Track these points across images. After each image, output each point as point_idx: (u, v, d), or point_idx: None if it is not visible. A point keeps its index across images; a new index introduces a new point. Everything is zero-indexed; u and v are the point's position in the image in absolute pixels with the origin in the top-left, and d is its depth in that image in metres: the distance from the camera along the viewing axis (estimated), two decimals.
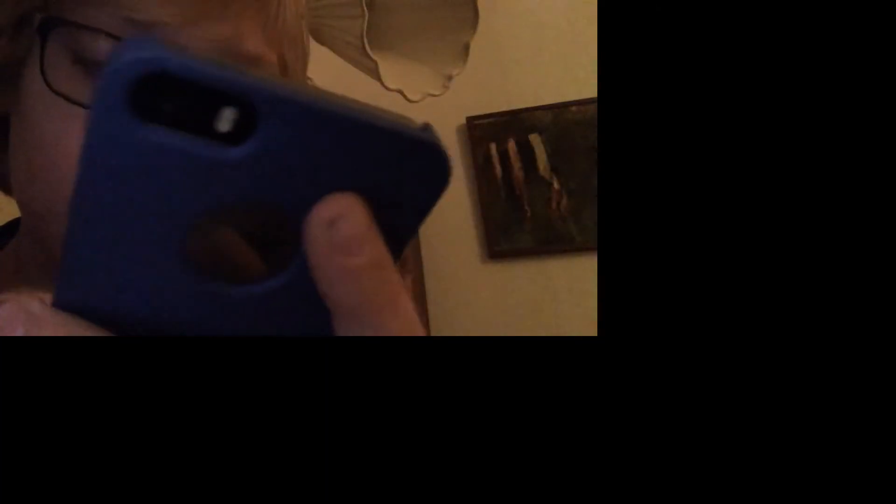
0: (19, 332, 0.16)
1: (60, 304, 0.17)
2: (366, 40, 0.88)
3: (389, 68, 0.94)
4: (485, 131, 1.77)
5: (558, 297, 1.67)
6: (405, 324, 0.17)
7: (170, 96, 0.15)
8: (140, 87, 0.14)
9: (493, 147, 1.76)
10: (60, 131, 0.34)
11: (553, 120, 1.74)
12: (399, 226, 0.17)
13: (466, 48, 1.05)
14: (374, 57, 0.90)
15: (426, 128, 0.17)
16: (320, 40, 0.96)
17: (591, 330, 1.58)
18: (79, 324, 0.17)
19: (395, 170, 0.17)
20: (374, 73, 0.94)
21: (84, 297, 0.17)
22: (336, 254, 0.16)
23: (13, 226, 0.47)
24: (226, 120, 0.15)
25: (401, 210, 0.17)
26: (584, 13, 1.76)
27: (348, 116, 0.16)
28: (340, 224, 0.16)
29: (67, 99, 0.34)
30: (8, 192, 0.45)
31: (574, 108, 1.73)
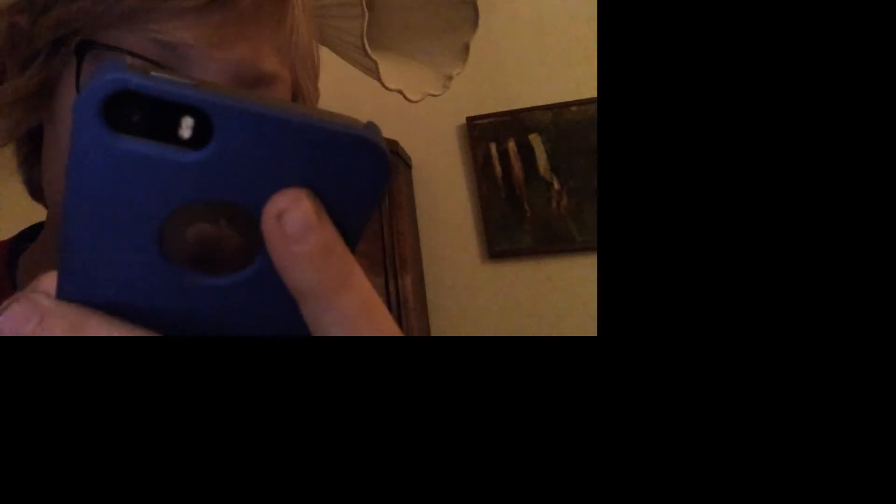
0: (28, 331, 0.18)
1: (63, 297, 0.19)
2: (366, 40, 0.88)
3: (389, 68, 0.94)
4: (485, 131, 1.77)
5: (558, 297, 1.67)
6: (360, 301, 0.18)
7: (136, 110, 0.17)
8: (111, 103, 0.17)
9: (493, 147, 1.76)
10: None
11: (553, 120, 1.74)
12: (347, 221, 0.19)
13: (466, 48, 1.05)
14: (374, 57, 0.90)
15: (369, 126, 0.19)
16: (320, 40, 0.96)
17: (591, 330, 1.58)
18: (86, 315, 0.18)
19: (337, 167, 0.18)
20: (374, 73, 0.94)
21: (81, 291, 0.19)
22: (286, 243, 0.18)
23: (41, 226, 0.51)
24: (186, 128, 0.17)
25: (347, 206, 0.19)
26: (584, 13, 1.76)
27: (291, 119, 0.18)
28: (287, 216, 0.18)
29: None
30: (37, 198, 0.51)
31: (574, 108, 1.73)
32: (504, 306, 1.70)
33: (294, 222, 0.18)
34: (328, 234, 0.18)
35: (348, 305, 0.18)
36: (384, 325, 0.19)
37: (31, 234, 0.52)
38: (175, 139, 0.17)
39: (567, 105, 1.74)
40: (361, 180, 0.19)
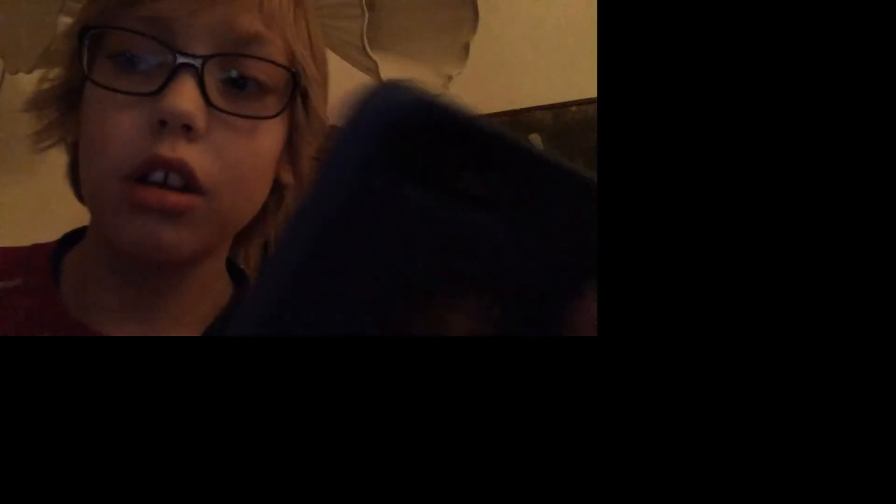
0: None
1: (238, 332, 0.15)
2: (366, 40, 0.88)
3: (389, 68, 0.94)
4: None
5: None
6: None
7: (423, 148, 0.12)
8: (401, 136, 0.12)
9: None
10: (101, 115, 0.43)
11: (553, 120, 1.74)
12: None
13: (466, 48, 1.05)
14: (374, 57, 0.90)
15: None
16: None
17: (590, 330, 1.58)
18: None
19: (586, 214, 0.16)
20: (374, 73, 0.94)
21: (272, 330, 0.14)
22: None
23: (84, 230, 0.55)
24: (474, 180, 0.13)
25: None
26: (584, 13, 1.76)
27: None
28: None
29: (104, 87, 0.43)
30: (85, 202, 0.54)
31: (574, 108, 1.73)
32: None
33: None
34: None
35: None
36: None
37: (72, 237, 0.54)
38: (456, 191, 0.13)
39: (567, 105, 1.74)
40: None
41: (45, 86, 0.49)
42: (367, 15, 0.86)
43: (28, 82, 1.05)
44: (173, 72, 0.42)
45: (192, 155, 0.42)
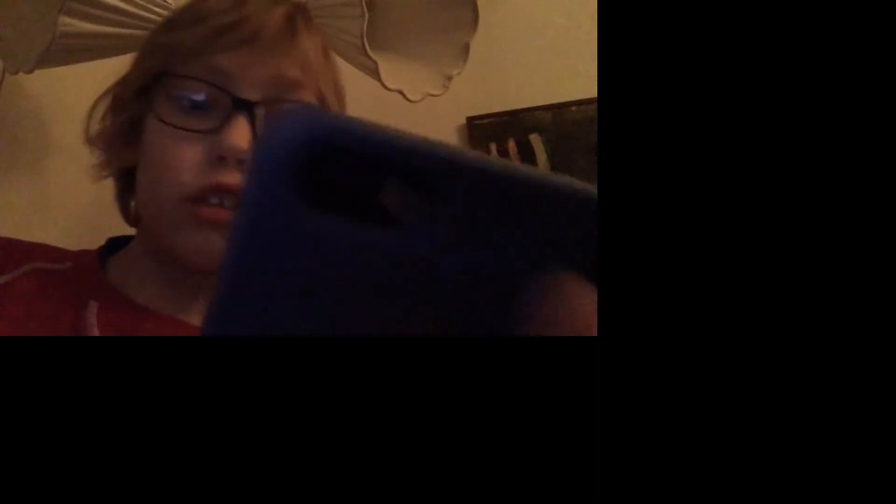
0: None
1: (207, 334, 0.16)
2: (366, 40, 0.88)
3: (389, 68, 0.94)
4: (485, 131, 1.77)
5: None
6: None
7: (334, 172, 0.12)
8: (307, 162, 0.12)
9: (493, 147, 1.76)
10: (165, 148, 0.53)
11: (553, 120, 1.74)
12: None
13: (466, 48, 1.05)
14: (374, 57, 0.90)
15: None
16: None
17: None
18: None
19: (572, 232, 0.15)
20: (374, 73, 0.94)
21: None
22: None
23: (123, 238, 0.65)
24: (396, 200, 0.12)
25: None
26: (584, 13, 1.76)
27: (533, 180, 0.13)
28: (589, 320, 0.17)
29: (173, 125, 0.53)
30: (131, 223, 0.65)
31: (574, 108, 1.73)
32: None
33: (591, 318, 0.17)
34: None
35: None
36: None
37: (112, 244, 0.65)
38: (373, 214, 0.12)
39: (567, 105, 1.74)
40: (581, 238, 0.15)
41: (99, 126, 0.59)
42: (367, 15, 0.86)
43: (29, 82, 1.05)
44: (230, 113, 0.52)
45: None
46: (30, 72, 0.87)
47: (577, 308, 0.16)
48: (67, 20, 0.78)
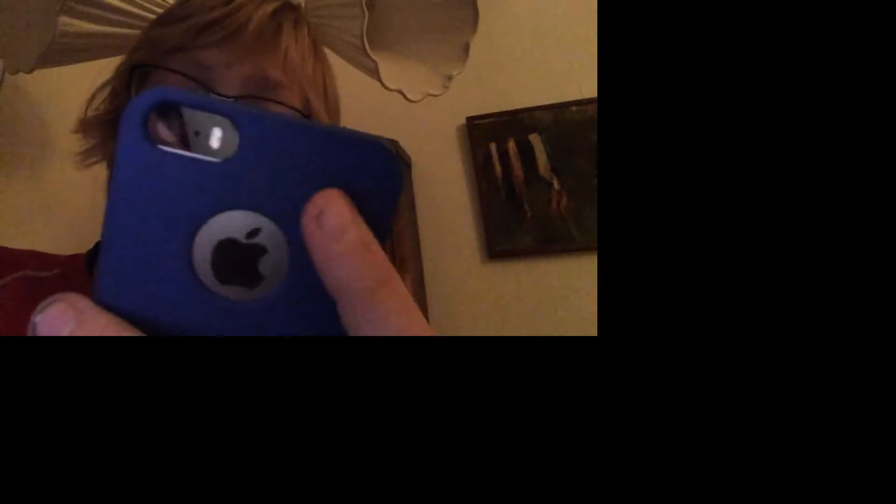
0: (66, 331, 0.18)
1: (97, 300, 0.19)
2: (366, 40, 0.88)
3: (389, 68, 0.94)
4: (485, 131, 1.77)
5: (558, 297, 1.67)
6: (398, 301, 0.19)
7: (174, 122, 0.18)
8: (151, 115, 0.18)
9: (493, 147, 1.76)
10: None
11: (553, 120, 1.74)
12: (370, 227, 0.19)
13: (466, 48, 1.05)
14: (374, 57, 0.90)
15: (384, 139, 0.20)
16: (320, 40, 0.96)
17: (591, 330, 1.58)
18: (120, 323, 0.19)
19: (357, 173, 0.19)
20: (374, 73, 0.94)
21: (115, 297, 0.19)
22: (326, 241, 0.18)
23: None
24: (215, 138, 0.19)
25: (367, 213, 0.19)
26: (584, 13, 1.76)
27: (311, 127, 0.19)
28: (325, 215, 0.18)
29: None
30: None
31: (574, 108, 1.73)
32: (504, 306, 1.70)
33: (333, 220, 0.18)
34: (364, 232, 0.18)
35: (385, 304, 0.18)
36: (417, 326, 0.19)
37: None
38: (206, 149, 0.19)
39: (567, 105, 1.74)
40: (379, 186, 0.19)
41: (93, 113, 0.59)
42: (367, 15, 0.86)
43: (28, 82, 1.05)
44: None
45: None
46: (30, 72, 0.87)
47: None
48: (67, 20, 0.78)
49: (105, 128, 0.59)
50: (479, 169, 1.76)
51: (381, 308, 0.18)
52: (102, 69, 0.64)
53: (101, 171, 0.63)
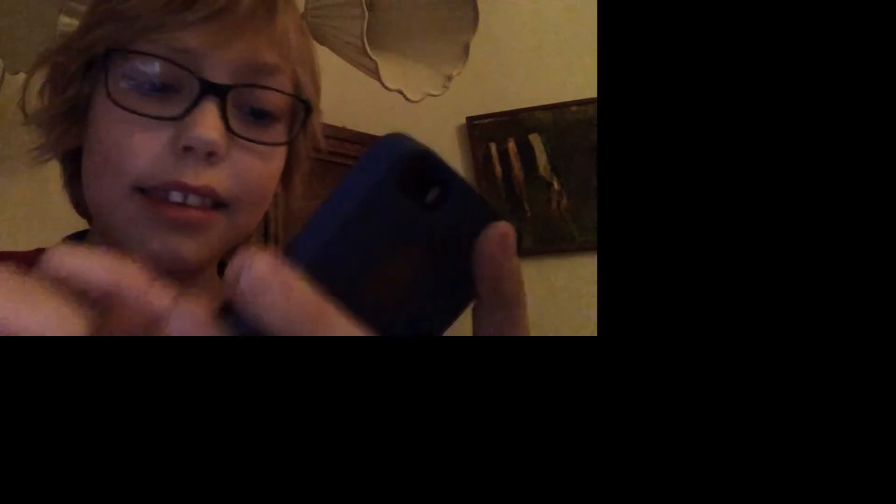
0: (203, 331, 0.19)
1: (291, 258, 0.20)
2: (366, 40, 0.88)
3: (389, 68, 0.94)
4: (485, 131, 1.77)
5: (558, 297, 1.67)
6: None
7: (415, 174, 0.21)
8: (406, 169, 0.21)
9: (493, 147, 1.76)
10: (122, 135, 0.45)
11: (553, 120, 1.74)
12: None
13: (466, 48, 1.05)
14: (374, 57, 0.90)
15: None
16: (320, 40, 0.96)
17: (591, 330, 1.58)
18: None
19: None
20: (374, 73, 0.94)
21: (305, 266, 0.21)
22: (250, 296, 0.19)
23: (81, 234, 0.57)
24: (432, 194, 0.22)
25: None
26: (584, 13, 1.76)
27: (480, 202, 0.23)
28: (243, 274, 0.19)
29: (129, 111, 0.44)
30: (83, 213, 0.56)
31: (574, 108, 1.73)
32: None
33: (248, 277, 0.19)
34: (286, 277, 0.19)
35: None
36: None
37: (72, 240, 0.57)
38: (422, 201, 0.22)
39: (567, 105, 1.74)
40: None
41: (50, 104, 0.50)
42: (367, 15, 0.86)
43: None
44: (198, 98, 0.44)
45: (213, 177, 0.44)
46: (30, 72, 0.87)
47: None
48: (67, 20, 0.78)
49: (55, 122, 0.50)
50: (479, 169, 1.76)
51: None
52: None
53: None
